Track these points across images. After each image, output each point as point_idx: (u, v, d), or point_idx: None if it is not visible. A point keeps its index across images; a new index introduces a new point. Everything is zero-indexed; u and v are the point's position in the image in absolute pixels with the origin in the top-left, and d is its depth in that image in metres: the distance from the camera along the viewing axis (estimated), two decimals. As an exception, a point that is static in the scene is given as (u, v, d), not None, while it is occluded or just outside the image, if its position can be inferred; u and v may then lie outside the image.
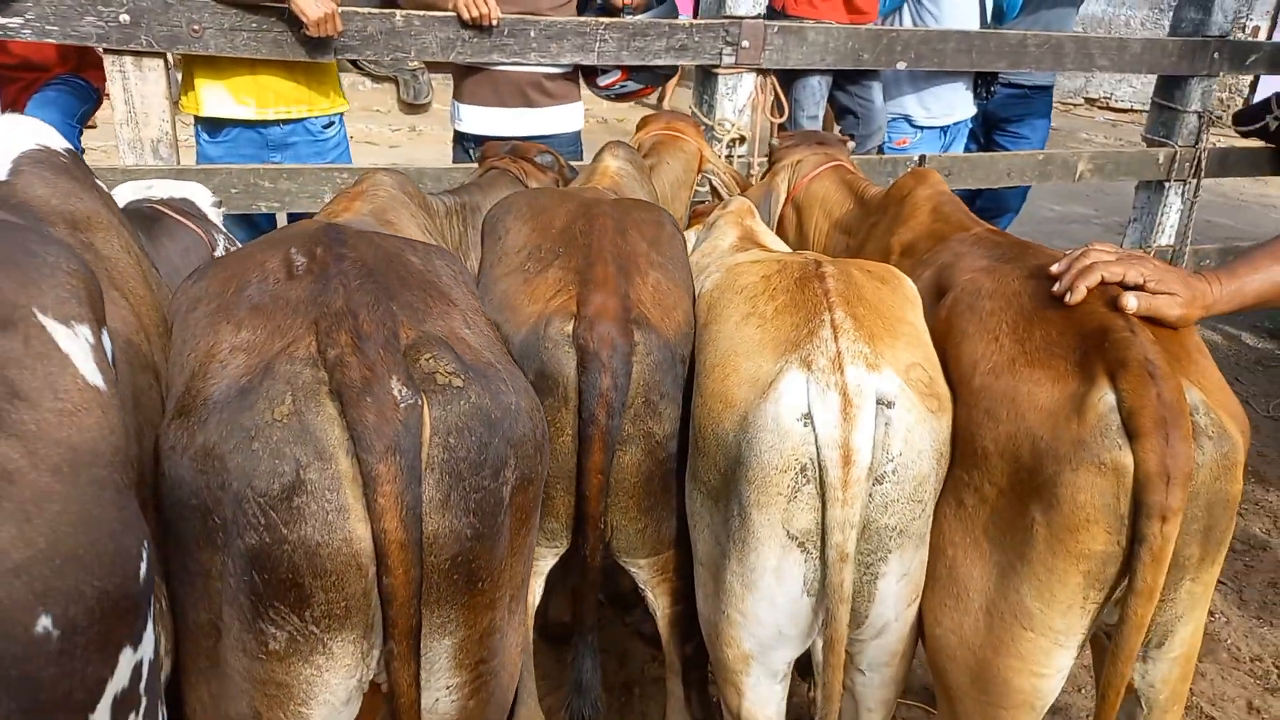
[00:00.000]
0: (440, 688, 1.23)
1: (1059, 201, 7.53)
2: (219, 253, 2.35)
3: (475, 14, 3.00)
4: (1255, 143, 4.52)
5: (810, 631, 1.45)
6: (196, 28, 2.84)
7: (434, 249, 1.47)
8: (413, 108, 9.53)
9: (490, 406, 1.18)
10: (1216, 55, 4.06)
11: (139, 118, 2.96)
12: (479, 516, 1.16)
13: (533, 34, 3.16)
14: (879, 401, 1.34)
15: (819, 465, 1.32)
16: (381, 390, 1.08)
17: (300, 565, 1.07)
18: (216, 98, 3.05)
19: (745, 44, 3.37)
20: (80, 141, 3.28)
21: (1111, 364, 1.29)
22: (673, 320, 1.64)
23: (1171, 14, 4.38)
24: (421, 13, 3.06)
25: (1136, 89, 11.71)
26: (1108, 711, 1.32)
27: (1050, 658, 1.35)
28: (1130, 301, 1.37)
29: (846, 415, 1.31)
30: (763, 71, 3.47)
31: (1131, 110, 11.80)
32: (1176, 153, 4.18)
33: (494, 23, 3.04)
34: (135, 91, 2.93)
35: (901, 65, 3.61)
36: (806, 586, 1.38)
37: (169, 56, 2.99)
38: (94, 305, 0.96)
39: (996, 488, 1.37)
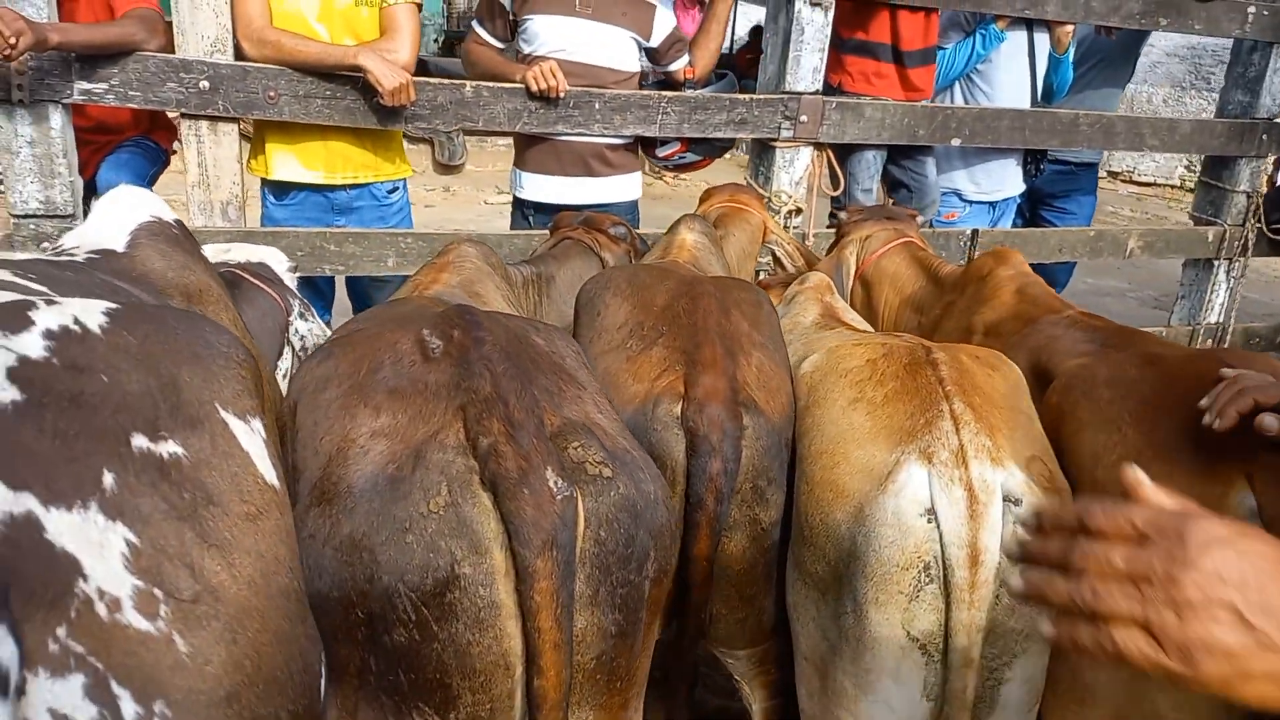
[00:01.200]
0: None
1: (1091, 275, 7.55)
2: (294, 318, 2.36)
3: (544, 86, 3.05)
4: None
5: (924, 734, 1.41)
6: (272, 94, 2.90)
7: (554, 329, 1.47)
8: (447, 168, 9.65)
9: (636, 497, 1.16)
10: (1265, 137, 4.09)
11: (211, 180, 3.00)
12: (623, 612, 1.13)
13: (597, 106, 3.21)
14: (1005, 498, 1.32)
15: (944, 565, 1.29)
16: (538, 481, 1.06)
17: (449, 664, 1.03)
18: (286, 162, 3.10)
19: (804, 119, 3.41)
20: (151, 202, 3.33)
21: (1250, 466, 1.26)
22: (777, 403, 1.62)
23: (1191, 91, 4.43)
24: (490, 84, 3.12)
25: (1159, 163, 11.80)
26: None
27: None
28: (1271, 422, 1.24)
29: (973, 513, 1.29)
30: (819, 145, 3.51)
31: (1155, 184, 11.89)
32: (1226, 231, 4.19)
33: (561, 95, 3.09)
34: (209, 155, 2.98)
35: (956, 141, 3.64)
36: (926, 691, 1.34)
37: (240, 120, 3.05)
38: (261, 395, 0.95)
39: None
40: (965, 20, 3.77)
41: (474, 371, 1.17)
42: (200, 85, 2.83)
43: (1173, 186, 11.69)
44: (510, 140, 12.16)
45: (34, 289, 0.95)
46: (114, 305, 0.84)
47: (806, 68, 3.37)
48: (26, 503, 0.60)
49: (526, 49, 3.29)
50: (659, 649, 1.65)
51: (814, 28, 3.34)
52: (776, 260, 2.98)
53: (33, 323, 0.74)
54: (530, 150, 3.37)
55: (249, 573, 0.76)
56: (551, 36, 3.22)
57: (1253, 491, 1.26)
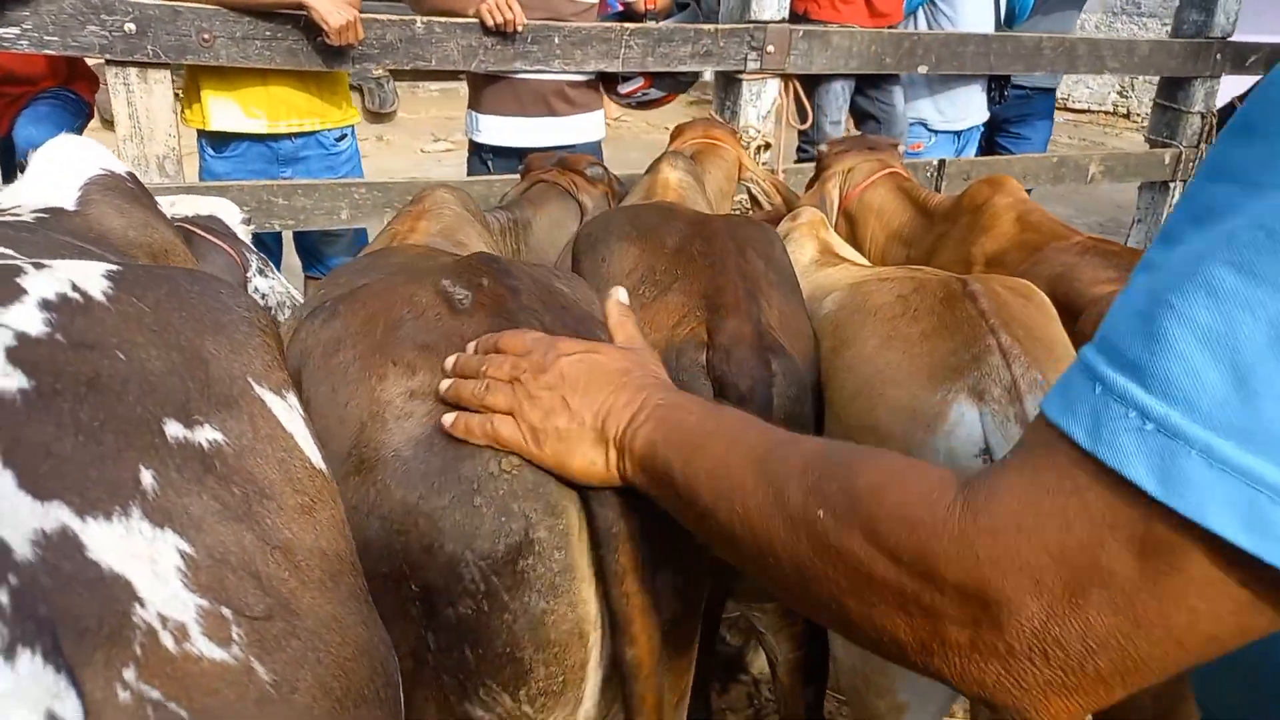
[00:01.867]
0: None
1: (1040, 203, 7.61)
2: (252, 275, 2.19)
3: (500, 20, 2.87)
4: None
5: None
6: (207, 36, 2.67)
7: (573, 275, 1.36)
8: (378, 116, 9.27)
9: None
10: (1219, 56, 4.10)
11: (144, 133, 2.77)
12: (691, 574, 1.06)
13: (557, 41, 3.04)
14: (1063, 432, 1.26)
15: (1006, 503, 1.23)
16: None
17: (521, 636, 0.94)
18: (225, 111, 2.87)
19: (770, 49, 3.29)
20: (77, 159, 3.07)
21: None
22: (801, 345, 1.54)
23: (1122, 17, 4.43)
24: (443, 19, 2.92)
25: (1093, 90, 11.94)
26: None
27: None
28: None
29: (1035, 450, 1.22)
30: (786, 77, 3.40)
31: (1089, 111, 12.04)
32: (1181, 153, 4.21)
33: (519, 29, 2.91)
34: (140, 105, 2.74)
35: (923, 69, 3.56)
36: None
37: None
38: (287, 364, 0.82)
39: None
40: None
41: (520, 322, 1.06)
42: (126, 28, 2.58)
43: (1106, 113, 11.86)
44: (443, 86, 11.76)
45: (3, 251, 0.80)
46: (114, 267, 0.70)
47: (772, -5, 3.24)
48: (59, 515, 0.48)
49: (478, -19, 3.09)
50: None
51: (778, -48, 3.20)
52: (753, 199, 2.88)
53: (24, 291, 0.60)
54: (487, 90, 3.18)
55: (318, 575, 0.64)
56: (505, -33, 3.02)
57: None
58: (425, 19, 2.90)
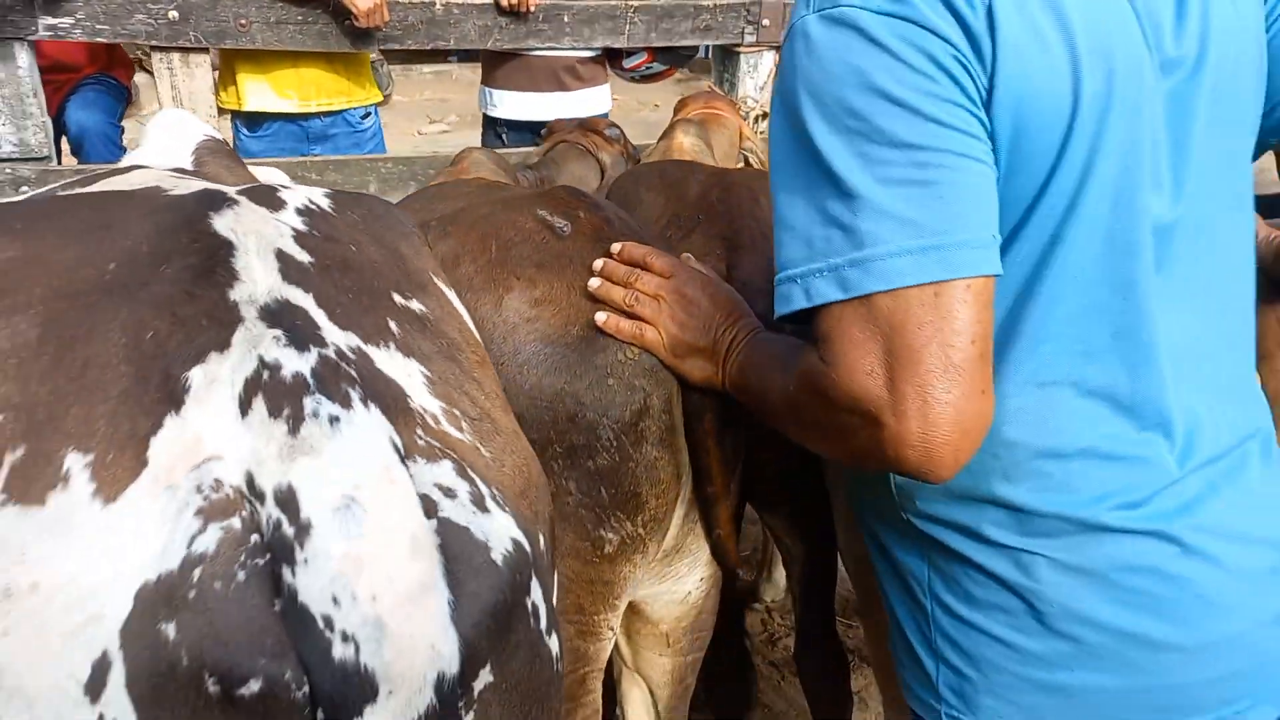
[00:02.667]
0: (695, 580, 1.43)
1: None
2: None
3: (514, 0, 3.07)
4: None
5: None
6: (244, 22, 2.86)
7: (627, 213, 1.60)
8: (375, 100, 9.45)
9: None
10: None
11: (186, 114, 2.96)
12: (737, 440, 1.37)
13: (566, 19, 3.23)
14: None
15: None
16: None
17: (641, 478, 1.23)
18: (259, 92, 3.07)
19: (766, 22, 3.48)
20: (123, 140, 3.27)
21: None
22: (809, 278, 1.76)
23: None
24: (461, 1, 3.11)
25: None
26: None
27: None
28: None
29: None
30: (780, 49, 3.59)
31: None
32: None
33: (532, 9, 3.11)
34: (183, 88, 2.93)
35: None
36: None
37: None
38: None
39: None
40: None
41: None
42: (169, 15, 2.77)
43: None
44: (436, 68, 11.76)
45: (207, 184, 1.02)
46: (325, 190, 0.92)
47: (766, -29, 3.43)
48: (354, 340, 0.70)
49: (491, -36, 3.28)
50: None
51: (772, -70, 3.40)
52: (748, 165, 3.08)
53: (285, 203, 0.82)
54: (501, 68, 3.38)
55: (499, 402, 0.88)
56: (517, -51, 3.21)
57: None
58: (444, 1, 3.09)
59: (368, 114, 3.33)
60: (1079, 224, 0.89)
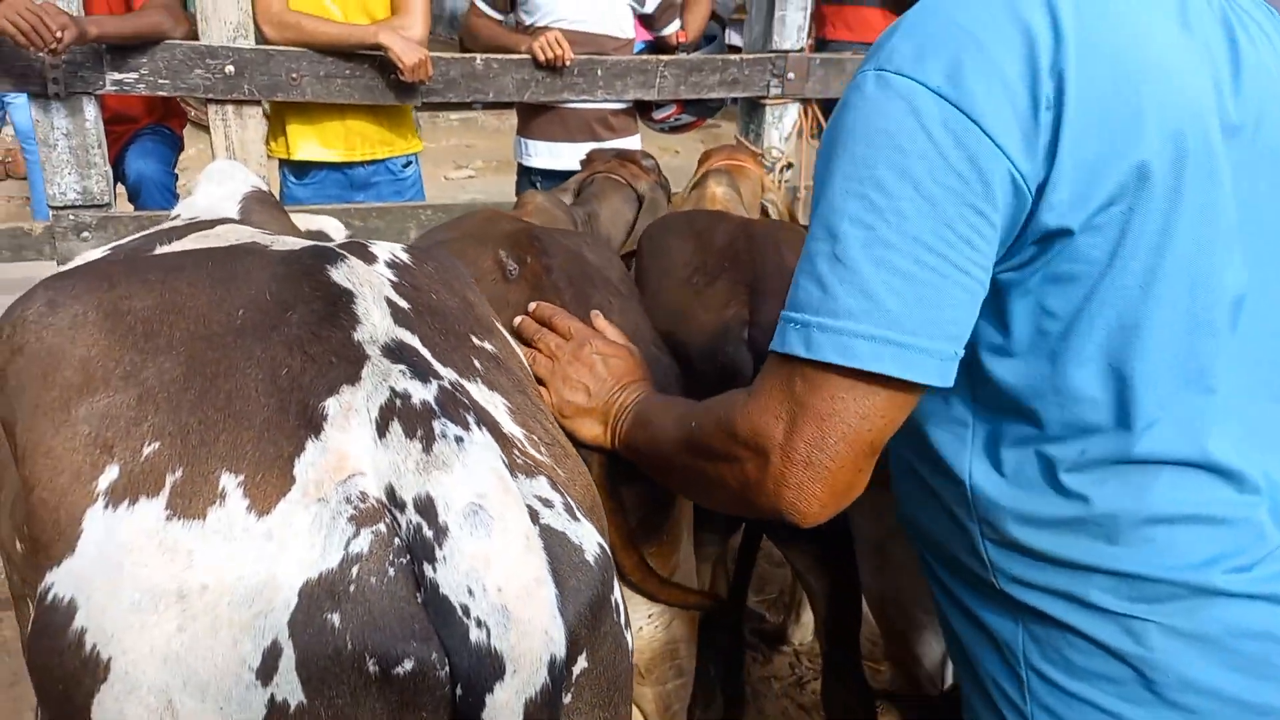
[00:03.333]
0: (643, 617, 1.48)
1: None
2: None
3: (551, 56, 3.23)
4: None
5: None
6: (295, 76, 3.03)
7: (600, 243, 1.79)
8: (406, 145, 9.72)
9: None
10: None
11: (239, 162, 3.13)
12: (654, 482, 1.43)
13: (600, 73, 3.39)
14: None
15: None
16: None
17: None
18: (307, 142, 3.23)
19: (791, 76, 3.63)
20: (177, 188, 3.44)
21: None
22: (830, 323, 1.86)
23: None
24: (499, 56, 3.28)
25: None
26: None
27: None
28: None
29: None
30: (805, 101, 3.74)
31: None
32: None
33: (567, 64, 3.27)
34: (235, 138, 3.11)
35: (929, 91, 3.89)
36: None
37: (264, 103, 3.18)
38: None
39: None
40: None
41: (548, 296, 1.42)
42: (226, 70, 2.95)
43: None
44: (462, 115, 11.96)
45: (254, 234, 1.16)
46: (401, 245, 1.08)
47: (791, 26, 3.58)
48: (454, 375, 0.85)
49: (527, 20, 3.45)
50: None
51: (797, -12, 3.56)
52: (765, 214, 3.21)
53: (376, 256, 0.95)
54: (536, 119, 3.54)
55: (559, 433, 1.02)
56: (553, 6, 3.38)
57: None
58: (484, 56, 3.26)
59: (409, 162, 3.48)
60: (1159, 305, 0.87)
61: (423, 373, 0.78)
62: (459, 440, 0.73)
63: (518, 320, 1.35)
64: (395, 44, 2.96)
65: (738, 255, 1.90)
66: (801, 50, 3.64)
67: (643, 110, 3.70)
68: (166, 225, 1.56)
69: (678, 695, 1.65)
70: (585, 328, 1.35)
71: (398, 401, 0.75)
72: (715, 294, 1.86)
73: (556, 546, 0.77)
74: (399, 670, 0.66)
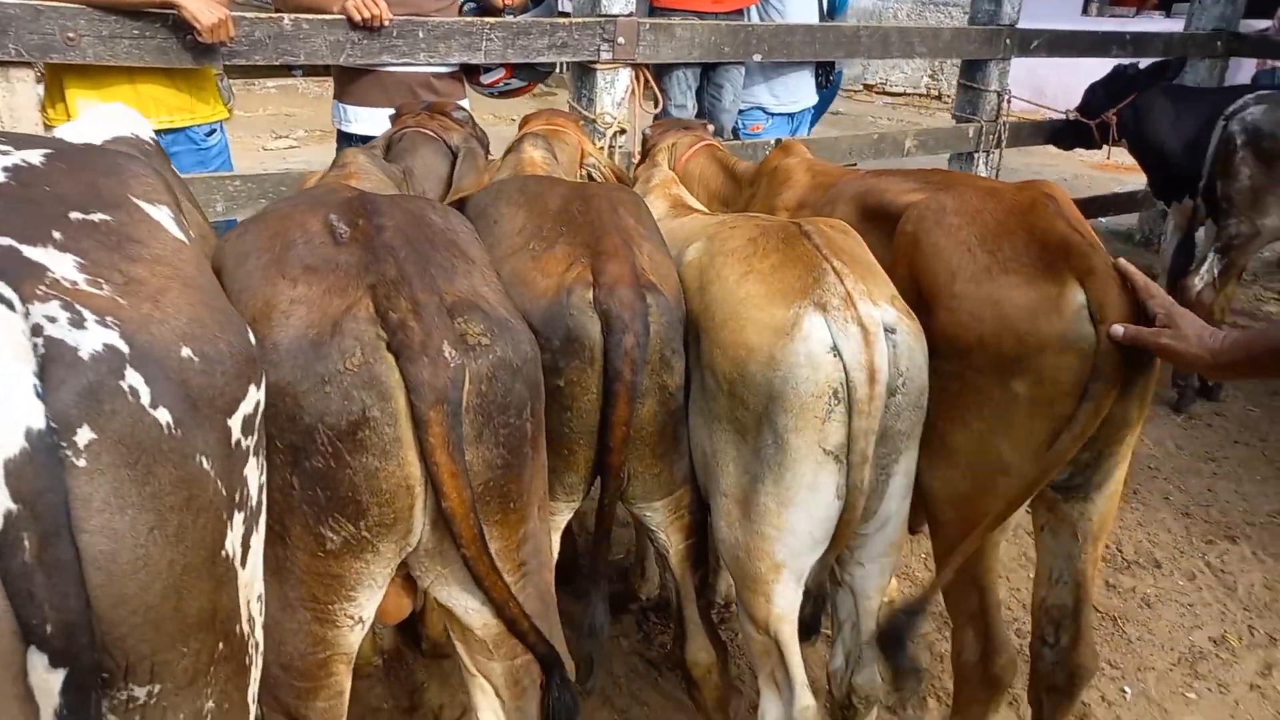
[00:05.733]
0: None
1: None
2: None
3: (366, 16, 3.03)
4: (1041, 117, 5.21)
5: (831, 533, 1.68)
6: (72, 35, 2.71)
7: (448, 209, 1.66)
8: (217, 116, 9.05)
9: (512, 357, 1.41)
10: (1008, 41, 4.68)
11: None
12: (507, 448, 1.41)
13: (421, 35, 3.22)
14: (885, 329, 1.59)
15: (849, 387, 1.55)
16: (435, 351, 1.30)
17: (360, 485, 1.30)
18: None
19: (621, 40, 3.57)
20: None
21: (1080, 270, 1.62)
22: (670, 285, 1.82)
23: (930, 6, 4.96)
24: (310, 16, 3.05)
25: (908, 75, 12.88)
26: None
27: (1014, 489, 1.70)
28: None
29: (867, 342, 1.55)
30: (637, 66, 3.69)
31: (905, 94, 12.97)
32: (982, 127, 4.77)
33: (385, 24, 3.08)
34: (3, 105, 2.75)
35: (757, 57, 3.93)
36: (837, 493, 1.62)
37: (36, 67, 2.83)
38: (170, 196, 1.30)
39: (978, 373, 1.69)
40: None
41: (379, 257, 1.38)
42: (-14, 27, 2.60)
43: (920, 95, 12.82)
44: (279, 82, 11.39)
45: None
46: (49, 150, 1.20)
47: (619, -11, 3.51)
48: (7, 241, 1.00)
49: (342, -21, 3.22)
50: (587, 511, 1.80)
51: (622, -50, 3.48)
52: (591, 179, 3.15)
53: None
54: (355, 83, 3.32)
55: (172, 272, 1.13)
56: (368, -35, 3.17)
57: (1084, 290, 1.62)
58: (293, 16, 3.02)
59: (213, 130, 3.20)
60: None
61: None
62: None
63: None
64: (190, 2, 2.69)
65: (574, 218, 1.83)
66: (631, 15, 3.57)
67: (469, 74, 3.54)
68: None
69: (527, 671, 1.59)
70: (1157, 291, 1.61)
71: None
72: (555, 258, 1.79)
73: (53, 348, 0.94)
74: None
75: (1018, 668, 1.92)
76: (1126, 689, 2.66)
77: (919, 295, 1.78)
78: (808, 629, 1.84)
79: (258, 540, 1.22)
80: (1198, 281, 3.91)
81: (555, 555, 1.87)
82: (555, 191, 1.91)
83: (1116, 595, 3.06)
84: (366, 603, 1.41)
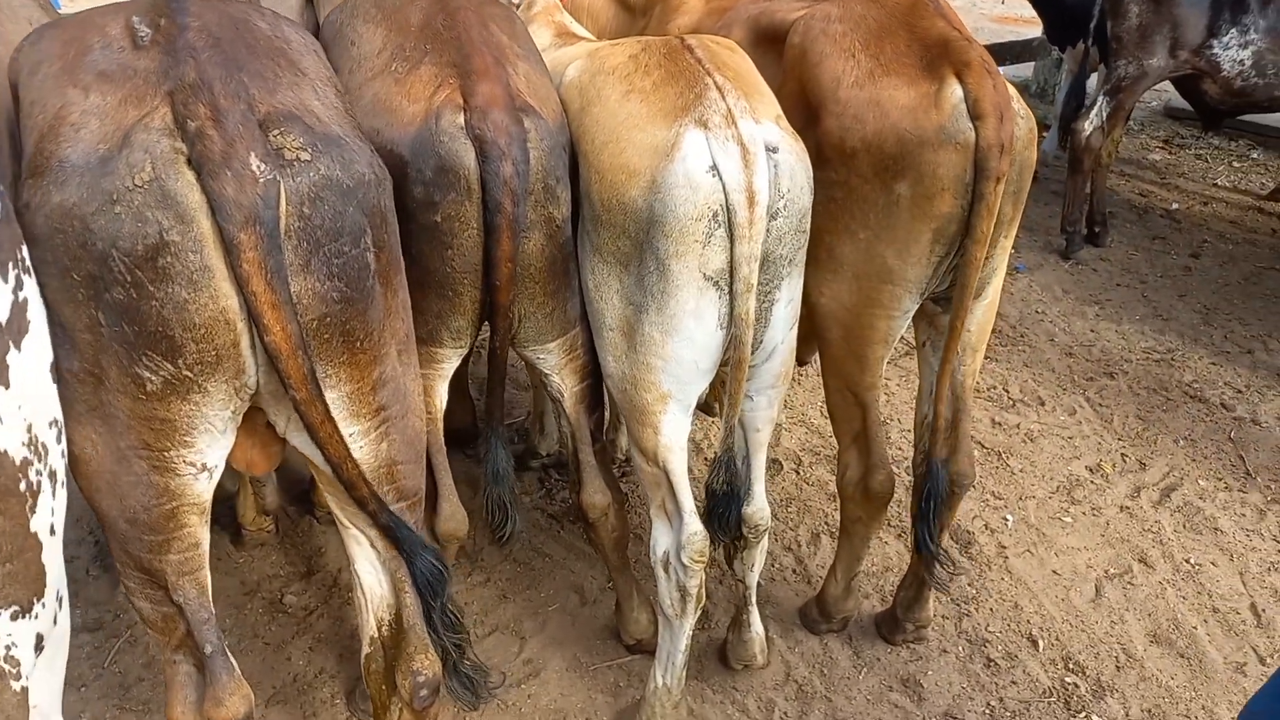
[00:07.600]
0: (346, 435, 1.37)
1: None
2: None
3: None
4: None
5: (717, 363, 1.65)
6: None
7: (282, 17, 1.49)
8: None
9: (342, 177, 1.27)
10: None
11: None
12: (345, 281, 1.28)
13: None
14: (767, 148, 1.52)
15: (728, 209, 1.48)
16: (240, 164, 1.17)
17: (169, 319, 1.19)
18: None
19: None
20: None
21: (957, 65, 1.61)
22: (550, 107, 1.70)
23: None
24: None
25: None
26: (953, 342, 1.75)
27: (902, 303, 1.72)
28: None
29: (747, 162, 1.48)
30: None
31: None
32: None
33: None
34: None
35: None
36: (720, 321, 1.58)
37: None
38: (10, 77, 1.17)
39: (863, 178, 1.67)
40: None
41: (180, 59, 1.23)
42: None
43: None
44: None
45: None
46: None
47: None
48: None
49: None
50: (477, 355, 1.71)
51: None
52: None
53: None
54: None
55: None
56: None
57: (961, 84, 1.61)
58: None
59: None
60: None
61: None
62: None
63: None
64: None
65: (438, 34, 1.68)
66: None
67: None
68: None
69: (409, 514, 1.53)
70: None
71: None
72: (420, 80, 1.64)
73: None
74: None
75: (895, 485, 1.98)
76: (1008, 517, 2.79)
77: (808, 107, 1.73)
78: (727, 524, 1.78)
79: (26, 361, 1.12)
80: (1088, 125, 3.95)
81: (443, 404, 1.80)
82: (416, 5, 1.74)
83: (1001, 431, 3.18)
84: (209, 449, 1.31)
